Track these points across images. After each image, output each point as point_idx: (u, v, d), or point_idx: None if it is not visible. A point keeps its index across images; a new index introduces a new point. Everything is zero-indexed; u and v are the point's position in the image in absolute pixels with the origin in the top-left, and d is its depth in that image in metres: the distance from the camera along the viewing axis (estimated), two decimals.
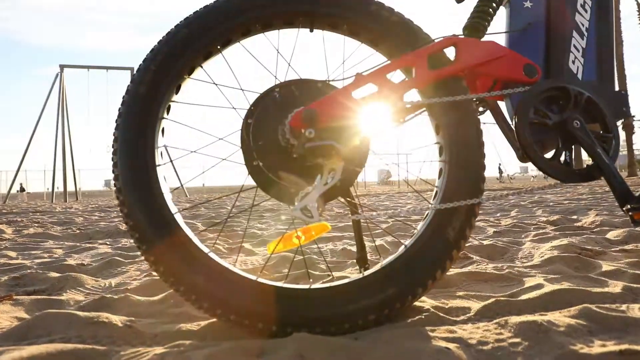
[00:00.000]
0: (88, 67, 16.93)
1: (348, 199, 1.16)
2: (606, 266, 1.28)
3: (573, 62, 1.12)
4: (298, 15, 1.08)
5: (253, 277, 0.94)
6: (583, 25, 1.15)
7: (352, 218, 1.09)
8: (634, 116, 20.40)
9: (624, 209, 0.92)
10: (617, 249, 1.60)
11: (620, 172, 1.20)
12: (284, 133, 0.94)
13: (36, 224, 3.70)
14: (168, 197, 1.00)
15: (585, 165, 1.01)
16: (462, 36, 1.13)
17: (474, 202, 0.95)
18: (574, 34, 1.14)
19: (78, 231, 3.00)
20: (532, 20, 1.15)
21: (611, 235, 1.89)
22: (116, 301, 1.11)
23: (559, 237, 1.88)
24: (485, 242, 1.80)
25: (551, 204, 4.09)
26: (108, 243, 2.37)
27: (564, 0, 1.16)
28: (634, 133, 20.95)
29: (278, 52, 1.09)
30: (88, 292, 1.30)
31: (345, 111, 0.94)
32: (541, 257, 1.51)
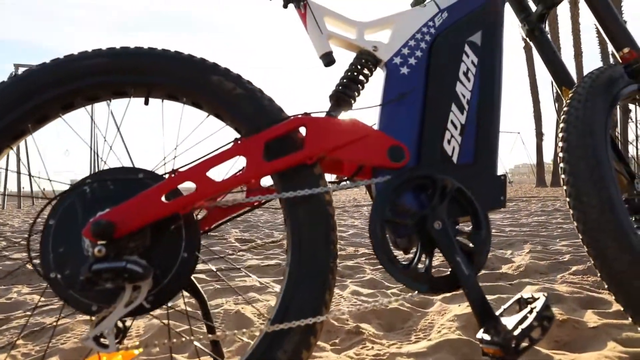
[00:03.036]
0: None
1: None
2: None
3: (449, 141, 0.99)
4: (128, 86, 0.91)
5: None
6: (464, 96, 1.02)
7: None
8: None
9: (477, 336, 0.79)
10: None
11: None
12: (85, 243, 0.78)
13: None
14: None
15: (449, 272, 0.87)
16: (324, 113, 0.98)
17: (312, 321, 0.81)
18: (453, 107, 1.01)
19: None
20: (407, 90, 1.01)
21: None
22: None
23: None
24: (391, 304, 1.67)
25: (494, 231, 4.04)
26: None
27: (444, 67, 1.03)
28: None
29: (104, 135, 0.92)
30: None
31: (152, 218, 0.77)
32: (438, 331, 1.39)
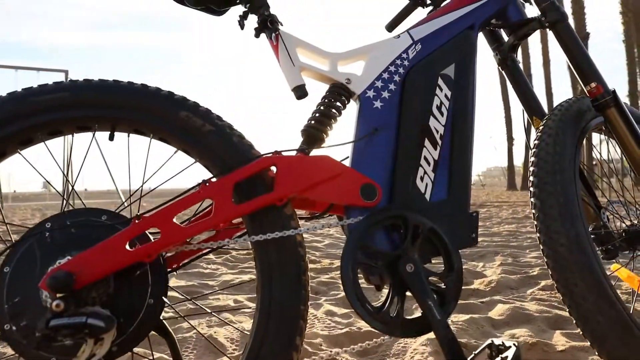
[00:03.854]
0: (16, 68, 15.45)
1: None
2: None
3: (422, 178, 0.98)
4: (92, 121, 0.88)
5: None
6: (438, 131, 1.02)
7: None
8: None
9: None
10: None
11: None
12: (43, 292, 0.74)
13: None
14: None
15: (420, 315, 0.87)
16: (295, 150, 0.95)
17: None
18: (426, 142, 1.00)
19: None
20: (379, 124, 1.00)
21: (497, 311, 1.81)
22: None
23: None
24: (365, 327, 1.66)
25: None
26: None
27: (418, 102, 1.02)
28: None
29: (65, 173, 0.88)
30: None
31: (115, 268, 0.74)
32: (411, 357, 1.39)
